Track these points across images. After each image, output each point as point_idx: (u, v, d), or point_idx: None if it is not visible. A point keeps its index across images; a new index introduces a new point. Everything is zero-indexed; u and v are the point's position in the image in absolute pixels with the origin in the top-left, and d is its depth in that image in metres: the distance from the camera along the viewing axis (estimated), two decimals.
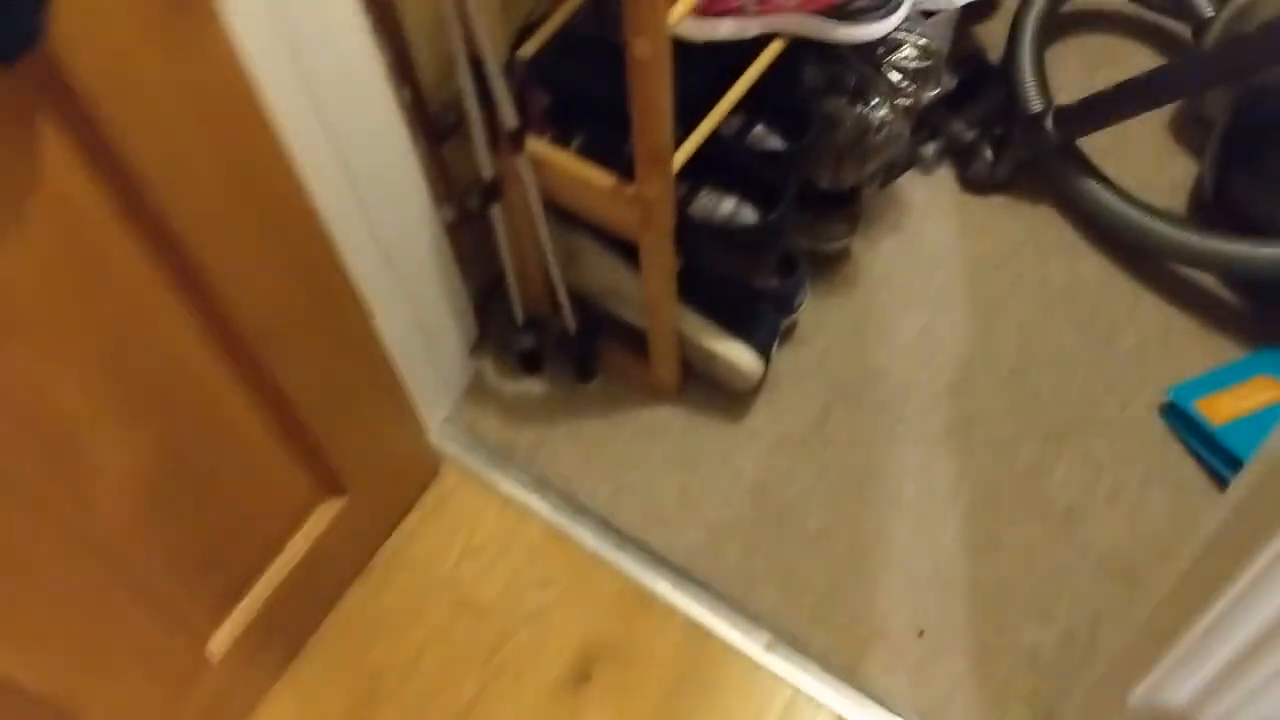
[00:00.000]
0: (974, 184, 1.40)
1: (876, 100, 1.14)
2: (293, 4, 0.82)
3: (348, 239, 0.96)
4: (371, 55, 0.94)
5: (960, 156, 1.41)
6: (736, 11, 1.07)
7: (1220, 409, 1.18)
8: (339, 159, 0.95)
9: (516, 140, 1.03)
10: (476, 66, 0.98)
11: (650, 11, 0.85)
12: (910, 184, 1.41)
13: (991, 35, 1.48)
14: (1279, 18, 1.05)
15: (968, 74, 1.42)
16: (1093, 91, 1.26)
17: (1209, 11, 1.37)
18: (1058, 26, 1.49)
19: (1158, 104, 1.20)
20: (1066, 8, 1.46)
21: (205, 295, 0.81)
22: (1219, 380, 1.21)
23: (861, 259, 1.36)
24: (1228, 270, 1.24)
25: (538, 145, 1.06)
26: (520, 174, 1.07)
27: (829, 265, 1.35)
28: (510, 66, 1.01)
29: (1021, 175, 1.38)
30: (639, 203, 1.03)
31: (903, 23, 1.12)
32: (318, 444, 1.02)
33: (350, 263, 0.97)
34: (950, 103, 1.41)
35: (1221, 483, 1.17)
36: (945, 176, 1.42)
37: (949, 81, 1.16)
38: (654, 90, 0.91)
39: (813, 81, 1.14)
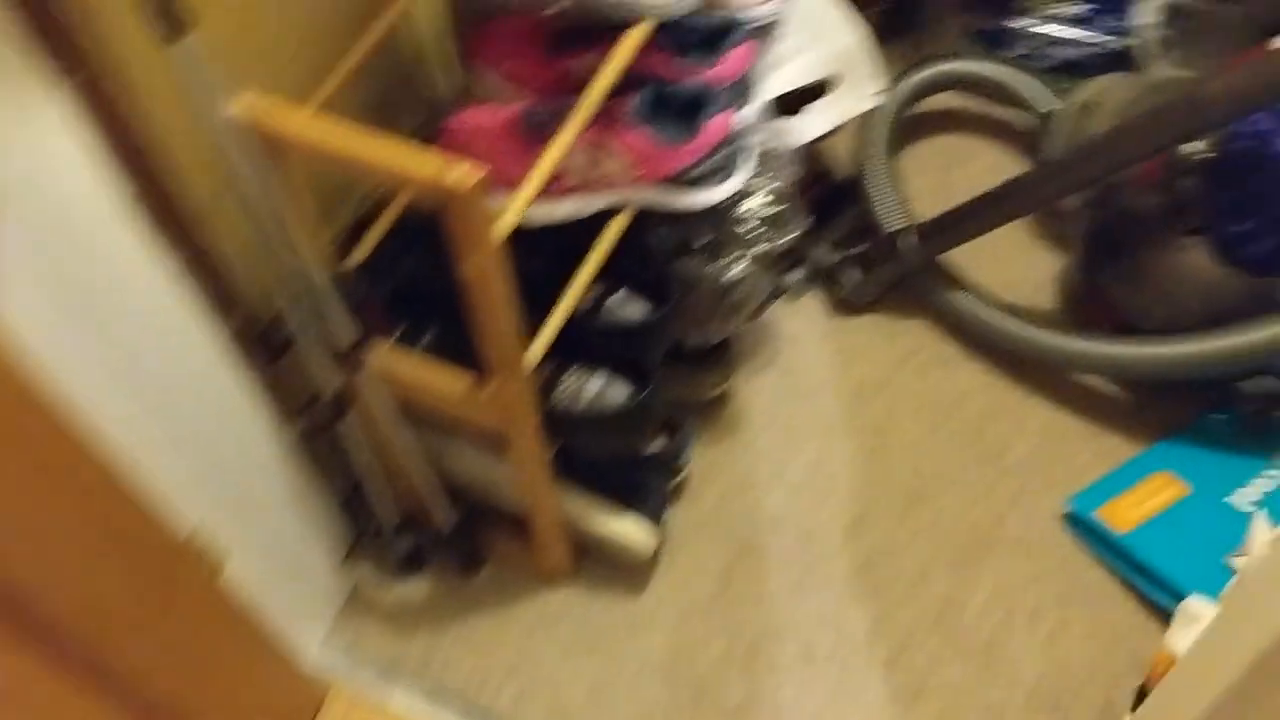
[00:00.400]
0: (844, 306, 1.37)
1: (733, 256, 1.11)
2: (81, 278, 0.74)
3: (186, 493, 0.88)
4: (184, 297, 0.87)
5: (827, 280, 1.38)
6: (574, 190, 1.02)
7: (1123, 515, 1.15)
8: (165, 416, 0.87)
9: (355, 355, 0.97)
10: (303, 282, 0.91)
11: (474, 233, 0.79)
12: (781, 313, 1.38)
13: (841, 147, 1.46)
14: (1126, 123, 1.05)
15: (822, 195, 1.39)
16: (952, 206, 1.24)
17: (1052, 105, 1.37)
18: (905, 132, 1.48)
19: (1018, 216, 1.18)
20: (911, 112, 1.45)
21: (13, 613, 0.72)
22: (1117, 484, 1.18)
23: (742, 399, 1.31)
24: (1108, 372, 1.23)
25: (382, 353, 0.99)
26: (367, 386, 1.00)
27: (710, 411, 1.30)
28: (340, 278, 0.94)
29: (891, 292, 1.36)
30: (497, 405, 0.96)
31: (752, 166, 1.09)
32: (176, 717, 0.93)
33: (192, 514, 0.88)
34: (813, 228, 1.38)
35: (1135, 592, 1.14)
36: (815, 301, 1.39)
37: (805, 220, 1.14)
38: (492, 303, 0.86)
39: (664, 244, 1.10)
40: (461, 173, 0.75)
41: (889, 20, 1.53)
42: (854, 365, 1.34)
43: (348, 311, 0.94)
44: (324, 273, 0.90)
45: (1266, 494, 1.13)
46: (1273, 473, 1.15)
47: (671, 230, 1.09)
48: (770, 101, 1.16)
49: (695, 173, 1.00)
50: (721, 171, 1.01)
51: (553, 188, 1.02)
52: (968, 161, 1.49)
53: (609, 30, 1.00)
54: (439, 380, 0.98)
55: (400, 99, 1.11)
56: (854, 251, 1.36)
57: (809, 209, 1.36)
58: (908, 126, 1.48)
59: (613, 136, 0.99)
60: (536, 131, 1.00)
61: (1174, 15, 1.35)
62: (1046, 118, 1.36)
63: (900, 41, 1.56)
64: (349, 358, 0.97)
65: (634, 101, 0.98)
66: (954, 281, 1.31)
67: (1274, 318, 1.05)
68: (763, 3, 1.11)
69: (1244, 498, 1.13)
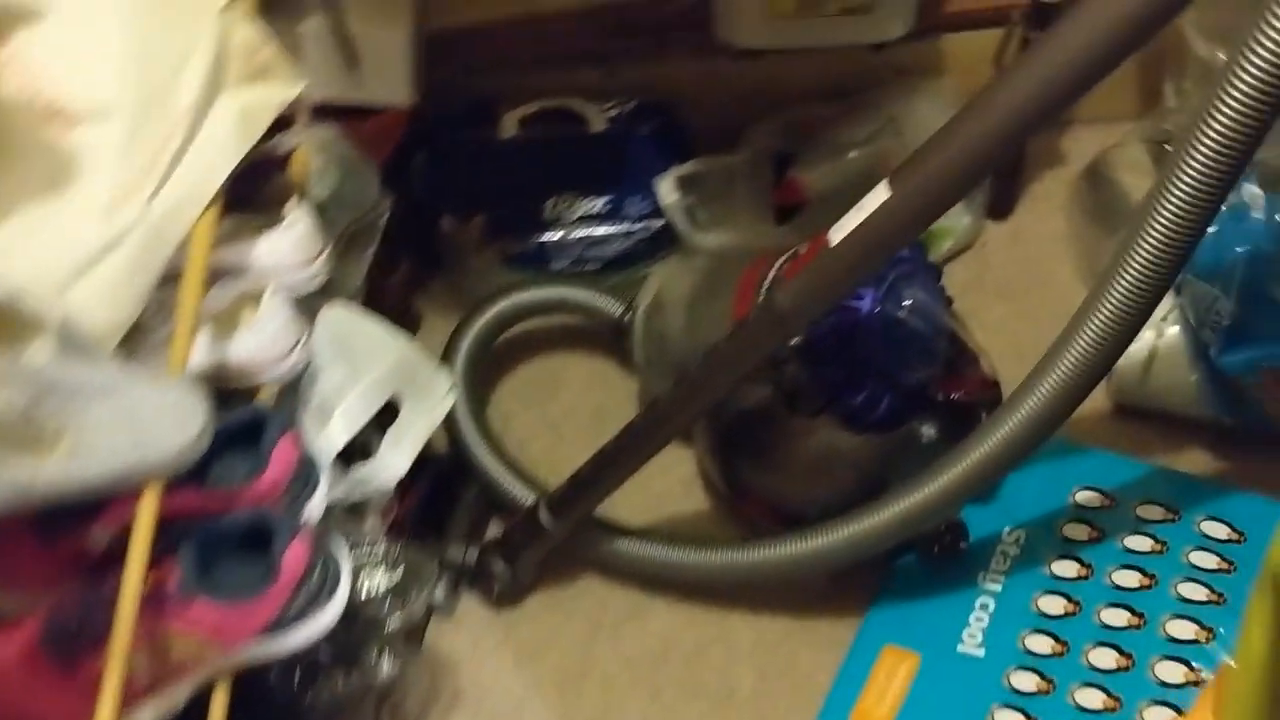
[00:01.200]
0: (504, 600, 1.21)
1: (374, 651, 0.93)
2: None
3: None
4: None
5: (474, 580, 1.21)
6: (148, 691, 0.80)
7: (874, 716, 1.07)
8: None
9: None
10: None
11: None
12: (441, 637, 1.20)
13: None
14: (717, 349, 0.97)
15: (429, 491, 1.23)
16: (576, 470, 1.12)
17: (619, 307, 1.29)
18: (486, 378, 1.36)
19: (645, 460, 1.08)
20: (490, 350, 1.33)
21: None
22: (852, 681, 1.10)
23: None
24: (792, 574, 1.14)
25: None
26: None
27: None
28: None
29: (546, 563, 1.22)
30: None
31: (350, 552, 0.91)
32: None
33: None
34: (433, 528, 1.22)
35: None
36: (472, 606, 1.22)
37: (438, 570, 0.99)
38: None
39: (288, 682, 0.90)
40: None
41: (406, 292, 1.42)
42: (544, 661, 1.18)
43: None
44: None
45: (987, 630, 1.09)
46: (984, 600, 1.11)
47: (289, 664, 0.90)
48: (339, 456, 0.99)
49: (290, 611, 0.81)
50: (322, 592, 0.83)
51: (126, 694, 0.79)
52: (562, 386, 1.38)
53: None
54: None
55: None
56: (490, 540, 1.21)
57: (420, 513, 1.21)
58: (486, 371, 1.36)
59: (169, 619, 0.78)
60: (68, 648, 0.77)
61: (688, 184, 1.33)
62: (620, 323, 1.28)
63: (435, 288, 1.45)
64: None
65: (179, 573, 0.78)
66: (604, 525, 1.19)
67: (933, 466, 1.00)
68: (283, 358, 0.95)
69: (971, 642, 1.09)
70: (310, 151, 1.08)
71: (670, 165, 1.35)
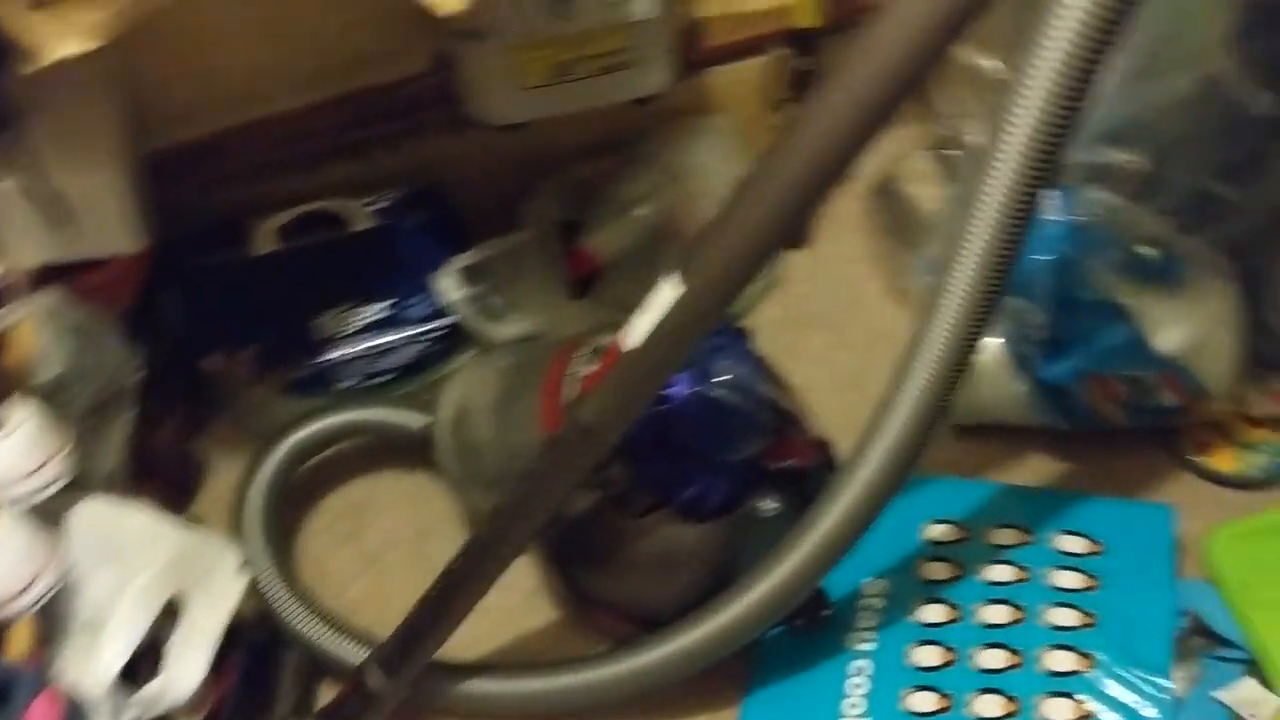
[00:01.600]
0: None
1: None
2: None
3: None
4: None
5: None
6: None
7: None
8: None
9: None
10: None
11: None
12: None
13: None
14: (534, 472, 0.88)
15: (245, 664, 1.09)
16: (403, 620, 1.00)
17: (420, 422, 1.19)
18: (289, 517, 1.23)
19: (478, 597, 0.98)
20: (286, 489, 1.20)
21: None
22: None
23: None
24: (666, 680, 1.06)
25: None
26: None
27: None
28: None
29: None
30: None
31: None
32: None
33: None
34: (258, 709, 1.09)
35: None
36: None
37: None
38: None
39: None
40: None
41: (180, 446, 1.27)
42: None
43: None
44: None
45: (867, 695, 1.03)
46: (859, 663, 1.05)
47: None
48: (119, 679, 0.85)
49: None
50: None
51: None
52: (376, 513, 1.26)
53: None
54: None
55: None
56: (325, 707, 1.09)
57: (239, 697, 1.07)
58: (285, 512, 1.22)
59: None
60: None
61: (472, 273, 1.23)
62: (425, 435, 1.18)
63: (216, 430, 1.30)
64: None
65: None
66: (446, 668, 1.08)
67: (789, 539, 0.94)
68: (26, 588, 0.81)
69: (853, 712, 1.02)
70: (32, 328, 0.94)
71: (449, 255, 1.25)
